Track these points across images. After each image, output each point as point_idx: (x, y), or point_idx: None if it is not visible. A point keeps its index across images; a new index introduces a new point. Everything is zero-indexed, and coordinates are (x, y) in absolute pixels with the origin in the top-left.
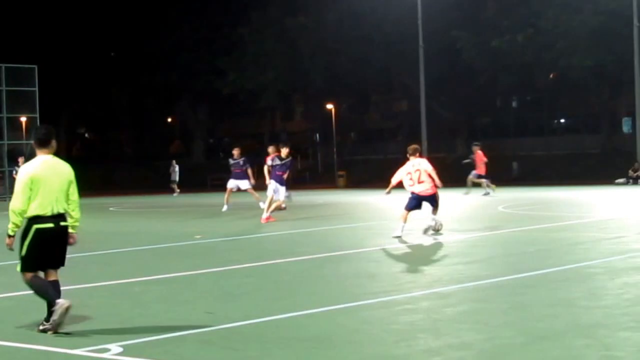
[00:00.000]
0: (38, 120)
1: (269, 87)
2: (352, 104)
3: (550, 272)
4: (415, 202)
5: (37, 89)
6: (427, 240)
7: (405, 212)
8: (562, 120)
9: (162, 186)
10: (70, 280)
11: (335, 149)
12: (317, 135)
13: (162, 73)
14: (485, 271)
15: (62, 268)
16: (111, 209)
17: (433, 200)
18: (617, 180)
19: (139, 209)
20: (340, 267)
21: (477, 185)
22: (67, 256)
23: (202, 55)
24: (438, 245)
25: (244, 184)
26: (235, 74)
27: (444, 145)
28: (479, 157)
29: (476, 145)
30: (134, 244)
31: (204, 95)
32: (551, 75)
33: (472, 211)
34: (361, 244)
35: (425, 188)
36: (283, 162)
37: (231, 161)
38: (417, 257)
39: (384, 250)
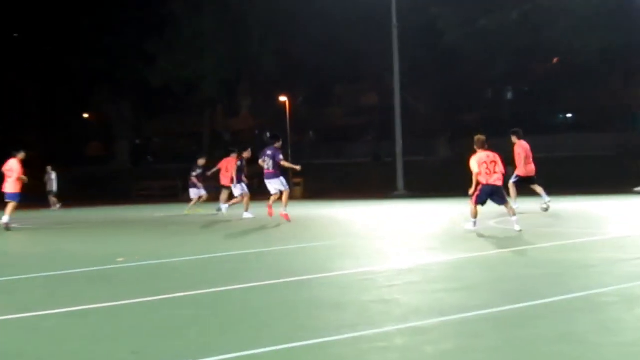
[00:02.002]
0: None
1: (209, 76)
2: (310, 97)
3: (554, 301)
4: (485, 197)
5: None
6: (403, 263)
7: (475, 207)
8: (566, 116)
9: (76, 197)
10: None
11: (289, 152)
12: (268, 135)
13: (78, 58)
14: (474, 300)
15: None
16: (13, 225)
17: (501, 192)
18: (635, 189)
19: (48, 226)
20: (298, 295)
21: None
22: None
23: (127, 37)
24: (415, 269)
25: (202, 191)
26: (166, 60)
27: (422, 147)
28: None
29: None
30: (43, 268)
31: (129, 86)
32: (553, 61)
33: (457, 226)
34: (323, 267)
35: (498, 177)
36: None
37: (198, 171)
38: (390, 283)
39: (351, 275)
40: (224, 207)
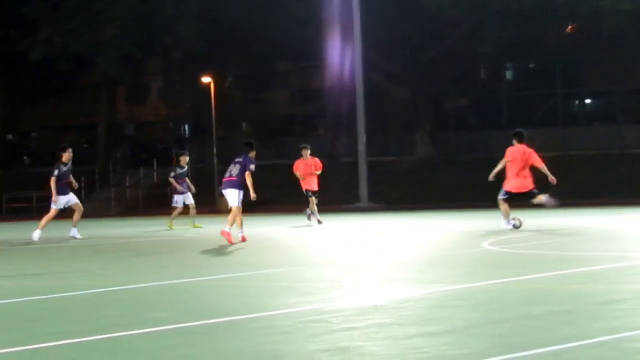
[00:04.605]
0: None
1: (107, 49)
2: (244, 78)
3: (570, 348)
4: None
5: None
6: (367, 299)
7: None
8: (587, 102)
9: None
10: None
11: (215, 150)
12: (186, 128)
13: None
14: (460, 349)
15: None
16: None
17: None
18: None
19: None
20: (225, 343)
21: None
22: None
23: None
24: (383, 307)
25: (190, 198)
26: (50, 27)
27: (395, 143)
28: None
29: None
30: None
31: None
32: (568, 29)
33: (441, 250)
34: (259, 306)
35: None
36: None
37: (178, 170)
38: (350, 326)
39: (296, 314)
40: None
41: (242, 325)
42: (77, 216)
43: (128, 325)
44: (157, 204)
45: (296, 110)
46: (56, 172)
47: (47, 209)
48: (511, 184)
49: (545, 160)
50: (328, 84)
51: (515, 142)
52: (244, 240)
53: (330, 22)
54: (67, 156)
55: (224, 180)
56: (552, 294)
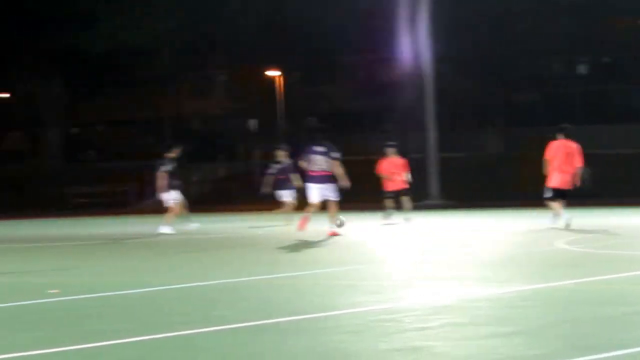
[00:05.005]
0: None
1: (169, 42)
2: (308, 71)
3: None
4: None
5: None
6: (439, 298)
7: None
8: None
9: None
10: None
11: (284, 145)
12: (252, 123)
13: None
14: (535, 349)
15: None
16: None
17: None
18: None
19: None
20: (291, 341)
21: None
22: None
23: None
24: (456, 306)
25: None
26: (112, 20)
27: (465, 139)
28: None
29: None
30: None
31: (61, 57)
32: None
33: (514, 248)
34: (326, 304)
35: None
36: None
37: (276, 167)
38: (422, 326)
39: (367, 313)
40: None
41: (309, 324)
42: (171, 214)
43: (193, 322)
44: (223, 199)
45: (362, 105)
46: (166, 168)
47: (111, 204)
48: (556, 180)
49: (617, 158)
50: (395, 78)
51: (559, 136)
52: (333, 234)
53: (397, 14)
54: (177, 152)
55: (315, 174)
56: (627, 294)
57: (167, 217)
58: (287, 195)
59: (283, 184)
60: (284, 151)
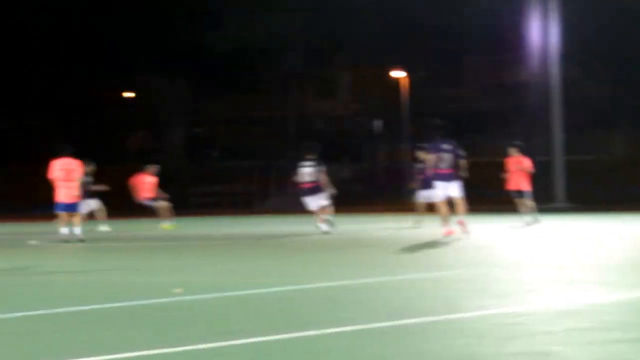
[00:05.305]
0: None
1: (295, 42)
2: (432, 71)
3: None
4: None
5: None
6: (565, 302)
7: None
8: None
9: (119, 204)
10: None
11: (405, 146)
12: (377, 124)
13: (117, 21)
14: None
15: None
16: (32, 242)
17: None
18: None
19: (77, 244)
20: (416, 344)
21: None
22: None
23: None
24: (583, 310)
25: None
26: (237, 20)
27: (591, 142)
28: None
29: None
30: (72, 301)
31: (186, 56)
32: None
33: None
34: (451, 307)
35: None
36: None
37: (418, 166)
38: (547, 329)
39: (491, 317)
40: None
41: (433, 326)
42: (325, 211)
43: (319, 323)
44: (347, 199)
45: (487, 106)
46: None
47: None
48: None
49: None
50: (521, 79)
51: None
52: (449, 234)
53: (524, 14)
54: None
55: (440, 172)
56: None
57: (323, 216)
58: (425, 196)
59: (424, 184)
60: (425, 151)
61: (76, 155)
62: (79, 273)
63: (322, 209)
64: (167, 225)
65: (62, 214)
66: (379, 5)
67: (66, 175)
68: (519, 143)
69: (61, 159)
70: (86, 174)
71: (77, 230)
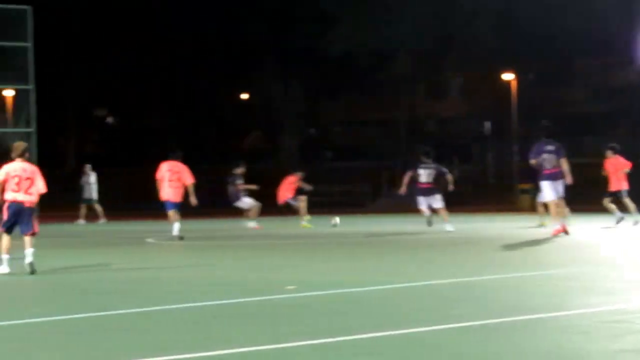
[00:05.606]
0: (33, 95)
1: (407, 44)
2: (542, 74)
3: None
4: None
5: (31, 44)
6: None
7: None
8: None
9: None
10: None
11: (515, 147)
12: (487, 125)
13: (234, 23)
14: None
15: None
16: (149, 240)
17: None
18: None
19: (192, 242)
20: (524, 340)
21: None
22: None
23: None
24: None
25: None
26: (351, 23)
27: None
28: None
29: None
30: (185, 298)
31: (300, 58)
32: None
33: None
34: (558, 304)
35: None
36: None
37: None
38: None
39: (597, 314)
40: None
41: (541, 323)
42: (444, 212)
43: (428, 320)
44: (457, 200)
45: (595, 108)
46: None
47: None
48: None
49: None
50: (631, 81)
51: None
52: (557, 233)
53: (634, 16)
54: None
55: (549, 172)
56: None
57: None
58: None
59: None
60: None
61: (188, 156)
62: (192, 270)
63: (439, 209)
64: (306, 224)
65: (171, 213)
66: (489, 8)
67: (172, 176)
68: (615, 145)
69: (170, 162)
70: (238, 175)
71: (176, 228)
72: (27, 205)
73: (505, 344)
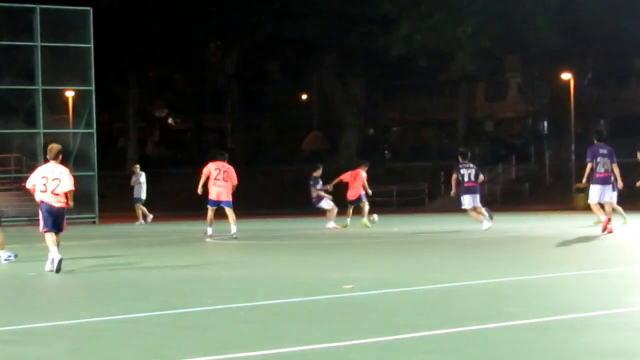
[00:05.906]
0: (93, 96)
1: (466, 45)
2: (601, 74)
3: None
4: None
5: (92, 45)
6: None
7: None
8: None
9: (290, 202)
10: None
11: (573, 147)
12: (545, 124)
13: (293, 23)
14: None
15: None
16: (208, 239)
17: None
18: None
19: (247, 241)
20: (580, 338)
21: None
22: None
23: None
24: None
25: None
26: (411, 23)
27: None
28: None
29: None
30: (244, 296)
31: (360, 58)
32: None
33: None
34: (614, 302)
35: None
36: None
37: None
38: None
39: None
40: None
41: (595, 321)
42: (476, 214)
43: (483, 318)
44: (514, 199)
45: None
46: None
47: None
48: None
49: None
50: None
51: None
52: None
53: None
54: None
55: (601, 176)
56: None
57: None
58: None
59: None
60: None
61: (249, 157)
62: (250, 269)
63: (477, 208)
64: (365, 222)
65: (211, 211)
66: (551, 9)
67: (220, 175)
68: None
69: (216, 162)
70: (317, 177)
71: (234, 228)
72: (55, 206)
73: (560, 342)
